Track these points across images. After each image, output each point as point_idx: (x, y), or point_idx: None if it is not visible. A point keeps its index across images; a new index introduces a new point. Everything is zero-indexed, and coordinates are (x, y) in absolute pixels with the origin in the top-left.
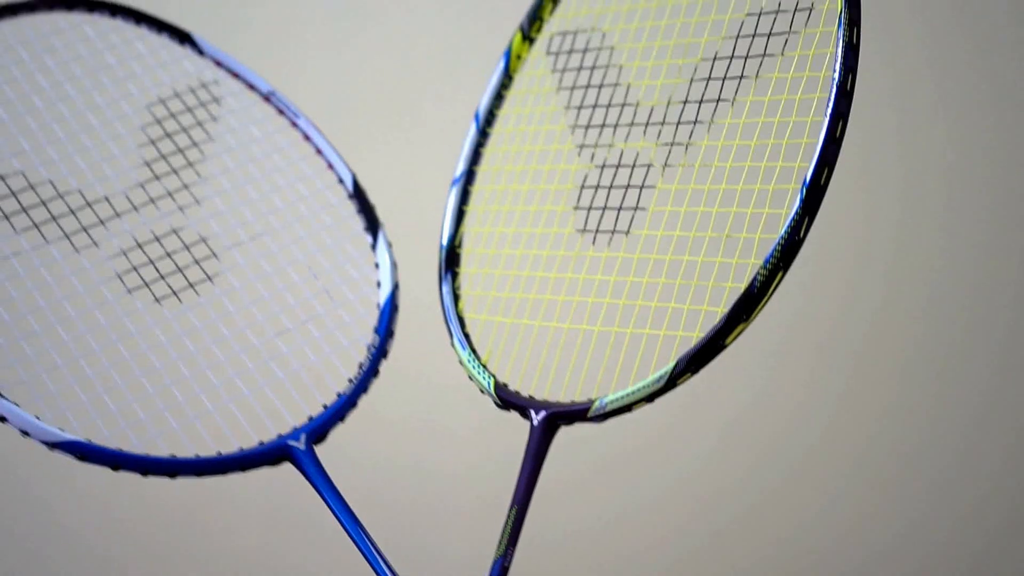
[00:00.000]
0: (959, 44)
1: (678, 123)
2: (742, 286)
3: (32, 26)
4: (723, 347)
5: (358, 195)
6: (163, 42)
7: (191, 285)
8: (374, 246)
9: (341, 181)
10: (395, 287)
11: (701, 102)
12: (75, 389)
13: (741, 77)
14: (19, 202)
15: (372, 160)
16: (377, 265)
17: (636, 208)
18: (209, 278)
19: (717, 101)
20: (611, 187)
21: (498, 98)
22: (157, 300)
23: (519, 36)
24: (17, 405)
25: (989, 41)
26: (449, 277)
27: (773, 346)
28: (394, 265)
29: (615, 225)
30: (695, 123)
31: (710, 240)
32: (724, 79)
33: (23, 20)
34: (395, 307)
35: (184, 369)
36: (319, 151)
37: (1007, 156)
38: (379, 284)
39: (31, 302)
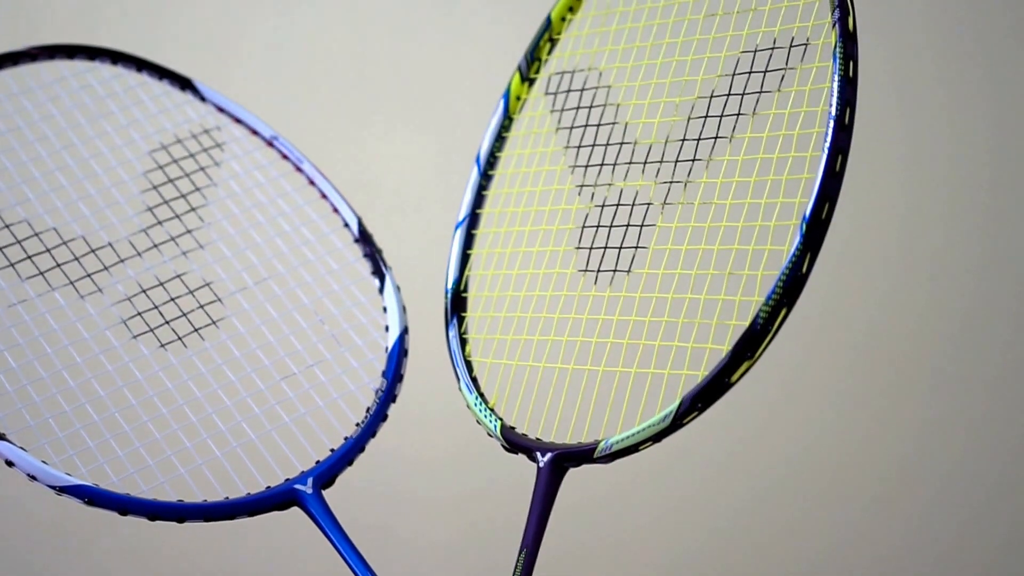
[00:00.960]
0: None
1: (677, 161)
2: (746, 323)
3: (34, 75)
4: (729, 385)
5: (364, 239)
6: (164, 88)
7: (196, 330)
8: (381, 290)
9: (347, 225)
10: (404, 331)
11: (699, 139)
12: (82, 434)
13: (739, 114)
14: (24, 250)
15: (377, 203)
16: (385, 309)
17: (637, 247)
18: (214, 323)
19: (715, 138)
20: (611, 226)
21: (499, 139)
22: (162, 345)
23: (517, 77)
24: (24, 450)
25: None
26: (455, 321)
27: (792, 363)
28: (403, 309)
29: (616, 264)
30: (694, 161)
31: (712, 278)
32: (722, 116)
33: (25, 68)
34: (404, 351)
35: (191, 415)
36: (324, 195)
37: None
38: (387, 328)
39: (37, 348)
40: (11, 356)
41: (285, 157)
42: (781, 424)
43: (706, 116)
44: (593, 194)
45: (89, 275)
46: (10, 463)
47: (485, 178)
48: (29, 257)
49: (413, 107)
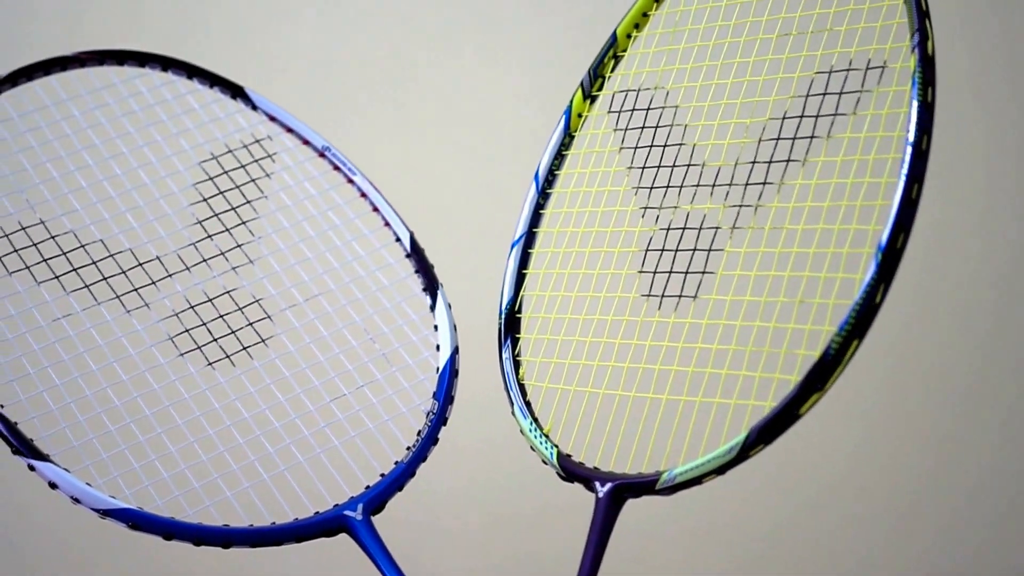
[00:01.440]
0: None
1: (746, 184)
2: (816, 353)
3: (83, 80)
4: (797, 417)
5: (416, 254)
6: (215, 96)
7: (245, 348)
8: (433, 307)
9: (398, 240)
10: (455, 351)
11: (770, 163)
12: (127, 455)
13: (812, 137)
14: (69, 262)
15: (430, 218)
16: (436, 327)
17: (704, 272)
18: (263, 341)
19: (787, 162)
20: (677, 250)
21: (558, 157)
22: (210, 364)
23: (579, 94)
24: (68, 471)
25: None
26: (509, 343)
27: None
28: (454, 327)
29: (682, 290)
30: (764, 184)
31: (782, 305)
32: (794, 139)
33: (74, 74)
34: (455, 372)
35: (238, 436)
36: (376, 208)
37: None
38: (438, 347)
39: (82, 365)
40: (55, 373)
41: (337, 168)
42: (812, 442)
43: (778, 138)
44: (658, 216)
45: (136, 289)
46: (53, 485)
47: (543, 196)
48: (75, 270)
49: (468, 121)
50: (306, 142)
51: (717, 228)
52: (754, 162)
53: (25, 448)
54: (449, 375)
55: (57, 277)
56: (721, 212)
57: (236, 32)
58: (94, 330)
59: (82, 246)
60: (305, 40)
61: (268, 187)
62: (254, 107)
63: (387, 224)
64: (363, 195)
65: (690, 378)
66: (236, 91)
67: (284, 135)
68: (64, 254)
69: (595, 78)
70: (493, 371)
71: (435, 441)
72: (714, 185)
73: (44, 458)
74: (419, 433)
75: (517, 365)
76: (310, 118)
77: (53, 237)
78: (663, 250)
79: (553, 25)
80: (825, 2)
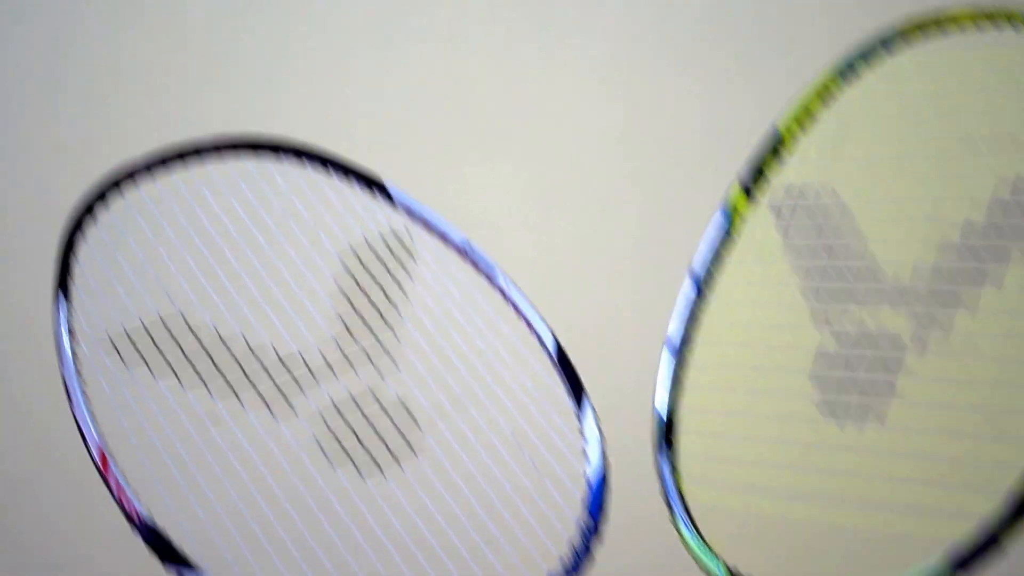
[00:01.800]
0: None
1: (935, 302)
2: (1016, 484)
3: (219, 171)
4: (1001, 550)
5: (561, 359)
6: (353, 190)
7: (395, 458)
8: (580, 415)
9: (542, 343)
10: (606, 461)
11: (961, 282)
12: (277, 566)
13: (1005, 259)
14: (212, 360)
15: (573, 317)
16: (583, 434)
17: (889, 392)
18: (413, 450)
19: (978, 282)
20: (858, 365)
21: (716, 256)
22: (360, 475)
23: (739, 190)
24: None
25: None
26: (666, 450)
27: None
28: (602, 436)
29: (866, 408)
30: (954, 304)
31: (977, 431)
32: (986, 260)
33: (210, 164)
34: (607, 484)
35: (391, 548)
36: (518, 310)
37: None
38: (587, 456)
39: (230, 471)
40: (203, 478)
41: (477, 267)
42: None
43: (967, 256)
44: (833, 326)
45: (283, 393)
46: None
47: (699, 296)
48: (219, 369)
49: (609, 212)
50: (445, 238)
51: (899, 341)
52: (942, 278)
53: (177, 560)
54: (601, 488)
55: (203, 380)
56: (906, 328)
57: (372, 121)
58: (240, 433)
59: (222, 341)
60: (448, 127)
61: (410, 287)
62: (392, 202)
63: (530, 326)
64: (504, 295)
65: (874, 502)
66: (374, 184)
67: (423, 231)
68: (206, 351)
69: (756, 175)
70: (642, 480)
71: (590, 557)
72: (897, 299)
73: (197, 570)
74: (575, 549)
75: (676, 474)
76: (446, 208)
77: (193, 332)
78: (843, 363)
79: (702, 103)
80: (1017, 112)
